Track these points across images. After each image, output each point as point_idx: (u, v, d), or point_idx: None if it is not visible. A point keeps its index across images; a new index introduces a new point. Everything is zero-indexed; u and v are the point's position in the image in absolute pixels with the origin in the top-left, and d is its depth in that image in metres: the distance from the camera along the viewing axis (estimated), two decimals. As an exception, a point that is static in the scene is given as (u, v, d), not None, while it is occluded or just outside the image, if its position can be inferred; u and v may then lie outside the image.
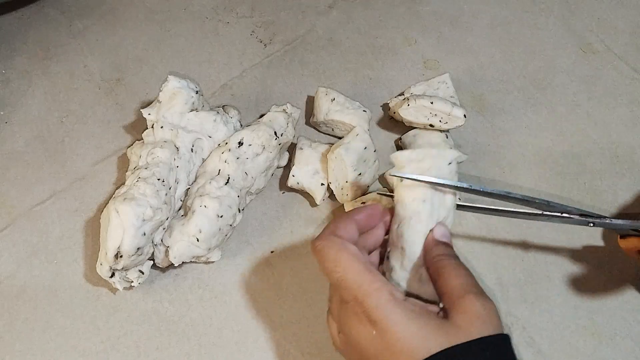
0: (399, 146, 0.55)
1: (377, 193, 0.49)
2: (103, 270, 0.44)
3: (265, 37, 0.63)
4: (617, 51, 0.62)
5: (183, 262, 0.46)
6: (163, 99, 0.49)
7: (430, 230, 0.38)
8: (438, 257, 0.37)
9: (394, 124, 0.56)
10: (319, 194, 0.50)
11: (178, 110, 0.49)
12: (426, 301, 0.37)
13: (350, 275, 0.35)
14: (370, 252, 0.40)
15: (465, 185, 0.39)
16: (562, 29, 0.64)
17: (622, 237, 0.44)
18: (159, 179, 0.45)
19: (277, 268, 0.49)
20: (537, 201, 0.41)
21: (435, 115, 0.51)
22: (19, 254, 0.49)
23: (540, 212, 0.42)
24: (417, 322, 0.33)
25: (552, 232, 0.50)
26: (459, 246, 0.49)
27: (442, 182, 0.38)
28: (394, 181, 0.41)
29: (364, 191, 0.50)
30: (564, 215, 0.42)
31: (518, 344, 0.45)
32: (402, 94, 0.56)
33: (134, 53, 0.61)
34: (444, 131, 0.52)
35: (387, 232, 0.40)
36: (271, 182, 0.53)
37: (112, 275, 0.44)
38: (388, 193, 0.48)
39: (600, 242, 0.50)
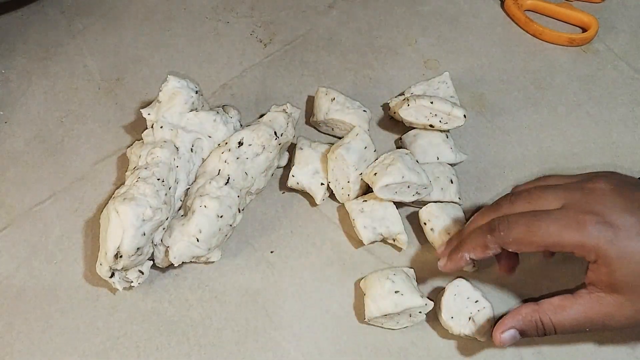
0: (399, 146, 0.55)
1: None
2: (103, 271, 0.44)
3: (265, 37, 0.63)
4: (617, 51, 0.62)
5: (183, 262, 0.46)
6: (163, 99, 0.49)
7: None
8: None
9: (394, 124, 0.56)
10: (319, 194, 0.50)
11: (178, 110, 0.49)
12: None
13: None
14: None
15: None
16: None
17: None
18: (158, 179, 0.45)
19: (277, 268, 0.49)
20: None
21: (435, 115, 0.51)
22: (18, 254, 0.49)
23: None
24: None
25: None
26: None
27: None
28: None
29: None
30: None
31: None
32: (402, 93, 0.56)
33: (134, 53, 0.61)
34: (444, 131, 0.52)
35: None
36: (271, 182, 0.53)
37: (112, 275, 0.44)
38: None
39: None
